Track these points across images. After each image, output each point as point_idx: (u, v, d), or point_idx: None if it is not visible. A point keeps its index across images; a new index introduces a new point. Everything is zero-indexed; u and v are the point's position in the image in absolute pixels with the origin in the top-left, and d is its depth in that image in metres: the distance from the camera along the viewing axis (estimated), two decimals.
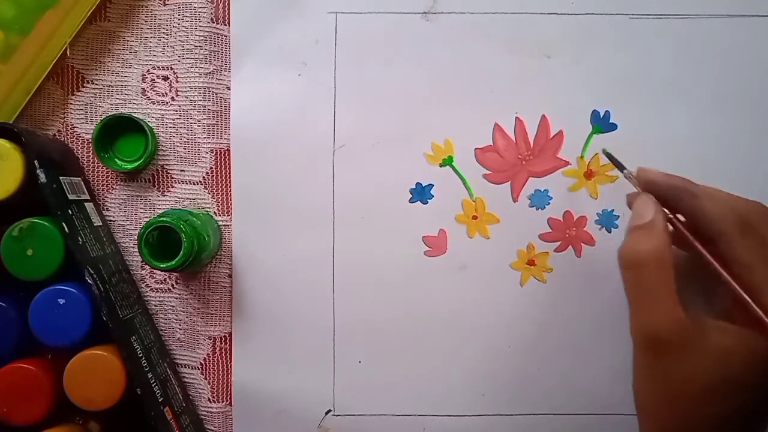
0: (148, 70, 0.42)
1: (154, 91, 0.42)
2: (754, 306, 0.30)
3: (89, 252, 0.37)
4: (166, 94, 0.42)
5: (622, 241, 0.32)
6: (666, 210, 0.33)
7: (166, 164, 0.42)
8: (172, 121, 0.42)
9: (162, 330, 0.43)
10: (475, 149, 0.42)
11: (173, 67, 0.42)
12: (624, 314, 0.33)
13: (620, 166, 0.38)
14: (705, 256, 0.32)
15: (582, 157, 0.42)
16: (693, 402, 0.31)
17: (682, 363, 0.31)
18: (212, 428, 0.43)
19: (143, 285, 0.43)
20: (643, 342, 0.32)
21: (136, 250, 0.39)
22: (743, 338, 0.30)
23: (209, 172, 0.42)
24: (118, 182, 0.42)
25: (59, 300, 0.36)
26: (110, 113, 0.41)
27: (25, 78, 0.40)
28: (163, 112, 0.42)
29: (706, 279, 0.32)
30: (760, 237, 0.31)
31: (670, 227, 0.33)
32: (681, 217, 0.34)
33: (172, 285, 0.43)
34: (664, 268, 0.31)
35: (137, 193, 0.42)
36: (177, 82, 0.42)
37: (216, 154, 0.42)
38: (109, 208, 0.42)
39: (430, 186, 0.42)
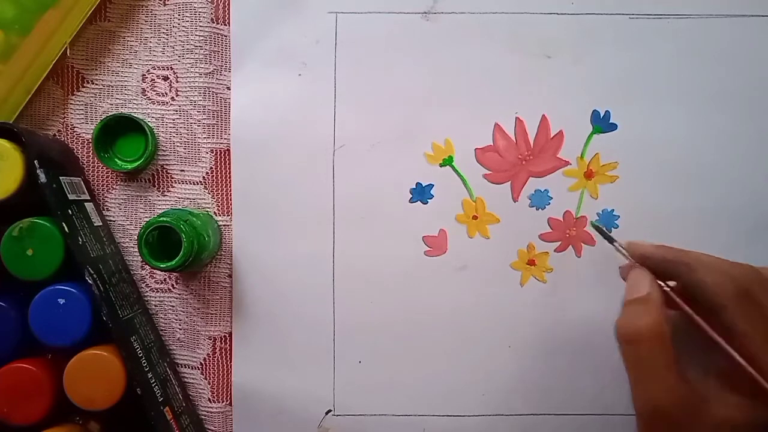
0: (148, 70, 0.42)
1: (154, 91, 0.42)
2: (759, 377, 0.29)
3: (89, 252, 0.37)
4: (166, 94, 0.42)
5: (620, 315, 0.32)
6: (660, 282, 0.33)
7: (166, 164, 0.42)
8: (172, 121, 0.42)
9: (162, 330, 0.43)
10: (475, 149, 0.42)
11: (173, 67, 0.42)
12: None
13: (610, 240, 0.37)
14: (706, 330, 0.31)
15: (582, 157, 0.42)
16: None
17: None
18: (212, 428, 0.43)
19: (143, 285, 0.43)
20: (646, 416, 0.31)
21: (136, 250, 0.39)
22: (745, 409, 0.30)
23: (209, 172, 0.42)
24: (118, 182, 0.42)
25: (59, 300, 0.36)
26: (110, 113, 0.41)
27: (25, 78, 0.40)
28: (163, 112, 0.42)
29: (703, 340, 0.32)
30: (759, 306, 0.31)
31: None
32: (671, 283, 0.33)
33: (172, 285, 0.43)
34: (663, 343, 0.31)
35: (137, 193, 0.42)
36: (177, 82, 0.42)
37: (216, 154, 0.42)
38: (109, 208, 0.42)
39: (430, 186, 0.42)
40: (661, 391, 0.31)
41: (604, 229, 0.38)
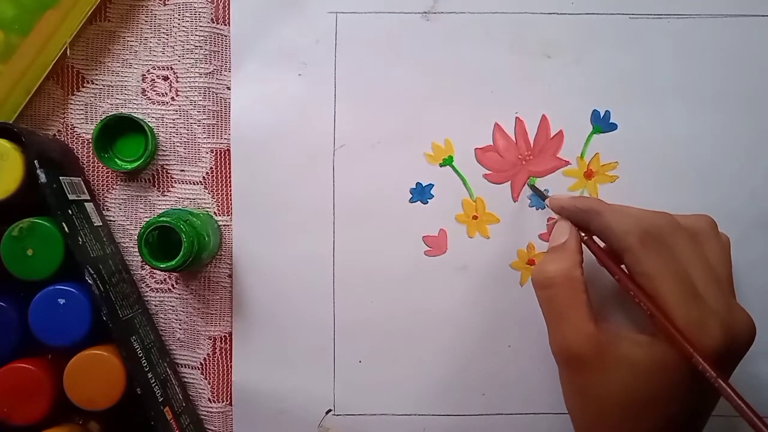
0: (148, 70, 0.42)
1: (154, 91, 0.42)
2: (657, 314, 0.30)
3: (89, 252, 0.37)
4: (166, 94, 0.42)
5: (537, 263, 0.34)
6: (583, 233, 0.35)
7: (166, 164, 0.42)
8: (172, 121, 0.42)
9: (162, 330, 0.43)
10: (475, 149, 0.42)
11: (173, 67, 0.42)
12: None
13: (543, 196, 0.40)
14: (612, 269, 0.33)
15: (582, 157, 0.42)
16: (617, 415, 0.31)
17: (598, 377, 0.31)
18: (212, 428, 0.43)
19: (143, 285, 0.43)
20: (560, 358, 0.33)
21: (136, 250, 0.39)
22: (653, 349, 0.30)
23: (209, 172, 0.42)
24: (118, 182, 0.42)
25: (59, 300, 0.36)
26: (110, 113, 0.41)
27: (25, 78, 0.40)
28: (163, 112, 0.42)
29: (628, 296, 0.32)
30: (666, 248, 0.31)
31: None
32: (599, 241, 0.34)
33: (172, 285, 0.43)
34: (574, 287, 0.32)
35: (137, 193, 0.42)
36: (177, 82, 0.42)
37: (216, 154, 0.42)
38: (109, 208, 0.42)
39: (430, 186, 0.42)
40: (571, 332, 0.32)
41: (537, 188, 0.41)
